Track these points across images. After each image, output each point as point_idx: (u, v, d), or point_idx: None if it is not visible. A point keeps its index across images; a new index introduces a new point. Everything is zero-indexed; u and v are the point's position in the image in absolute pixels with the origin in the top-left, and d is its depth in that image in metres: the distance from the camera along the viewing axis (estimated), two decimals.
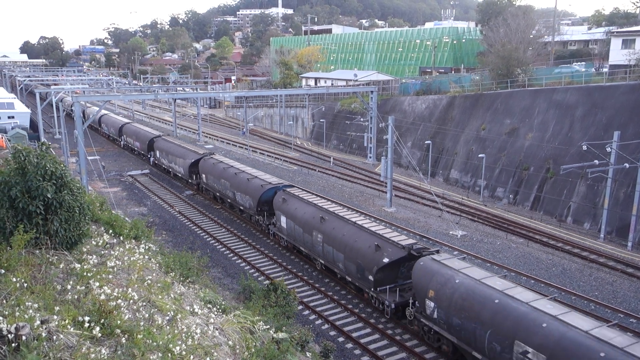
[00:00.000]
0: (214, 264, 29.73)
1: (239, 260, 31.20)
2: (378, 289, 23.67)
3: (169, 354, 8.25)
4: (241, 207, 37.37)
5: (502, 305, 17.71)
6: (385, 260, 23.06)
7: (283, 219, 31.44)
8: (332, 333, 22.91)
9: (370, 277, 23.77)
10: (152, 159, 56.88)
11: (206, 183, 43.19)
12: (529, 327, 16.47)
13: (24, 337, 7.00)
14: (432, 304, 20.49)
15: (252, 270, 29.46)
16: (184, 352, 8.51)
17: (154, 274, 12.92)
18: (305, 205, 30.12)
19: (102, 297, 9.20)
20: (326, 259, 27.65)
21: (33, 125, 68.79)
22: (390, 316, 23.53)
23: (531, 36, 66.72)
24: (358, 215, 28.78)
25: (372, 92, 56.18)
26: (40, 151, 11.10)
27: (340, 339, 22.40)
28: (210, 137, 73.79)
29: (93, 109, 78.49)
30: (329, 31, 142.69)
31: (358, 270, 24.76)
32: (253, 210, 35.30)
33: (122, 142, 67.95)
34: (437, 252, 23.21)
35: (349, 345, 21.93)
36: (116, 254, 12.49)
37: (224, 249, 33.06)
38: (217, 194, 41.44)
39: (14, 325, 7.13)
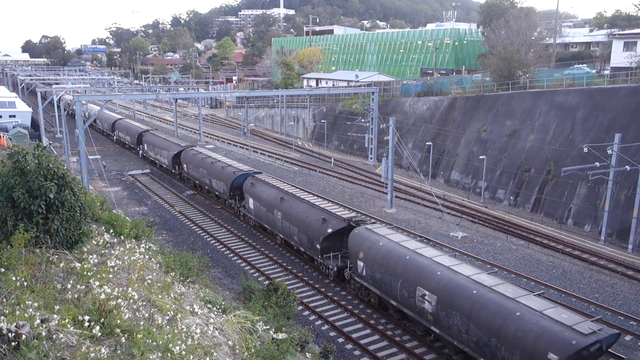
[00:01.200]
0: (214, 264, 29.73)
1: (239, 261, 31.21)
2: (324, 256, 27.53)
3: (169, 354, 8.25)
4: (217, 193, 41.45)
5: (411, 260, 21.86)
6: (329, 230, 26.93)
7: (251, 201, 35.18)
8: (332, 334, 22.90)
9: (318, 246, 27.58)
10: (140, 152, 60.20)
11: (187, 172, 47.15)
12: (427, 276, 20.71)
13: (24, 336, 7.00)
14: (361, 264, 24.44)
15: (253, 271, 29.46)
16: (183, 352, 8.51)
17: (154, 274, 12.93)
18: (269, 188, 33.96)
19: (102, 296, 9.20)
20: (284, 233, 31.53)
21: (34, 124, 68.91)
22: (333, 278, 27.55)
23: (533, 38, 66.78)
24: (311, 195, 33.41)
25: (373, 93, 56.19)
26: (38, 152, 11.10)
27: (340, 340, 22.39)
28: (211, 137, 73.82)
29: (91, 107, 78.82)
30: (331, 32, 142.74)
31: (308, 241, 28.48)
32: (226, 195, 39.08)
33: (114, 137, 71.32)
34: (373, 223, 26.99)
35: (349, 346, 21.92)
36: (116, 253, 12.49)
37: (224, 249, 33.06)
38: (197, 181, 45.52)
39: (14, 324, 7.13)
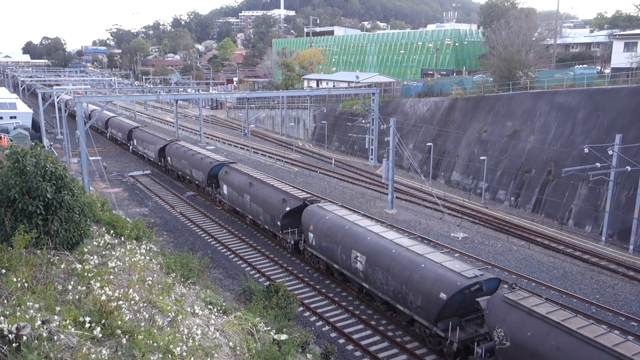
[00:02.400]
0: (214, 265, 29.73)
1: (240, 262, 31.20)
2: (284, 231, 31.73)
3: (170, 355, 8.24)
4: (197, 182, 45.46)
5: (348, 229, 26.04)
6: (287, 208, 31.16)
7: (225, 187, 39.54)
8: (333, 335, 22.88)
9: (278, 223, 31.75)
10: (131, 147, 63.92)
11: (171, 164, 51.23)
12: (360, 241, 24.81)
13: (24, 337, 6.99)
14: (312, 235, 28.56)
15: (253, 272, 29.45)
16: (184, 353, 8.50)
17: (154, 275, 12.92)
18: (240, 175, 38.04)
19: (103, 297, 9.19)
20: (252, 214, 35.73)
21: (35, 125, 68.94)
22: (290, 251, 31.93)
23: (533, 39, 66.74)
24: (275, 180, 37.18)
25: (373, 93, 56.19)
26: (36, 152, 11.09)
27: (341, 341, 22.36)
28: (211, 138, 73.84)
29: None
30: (331, 33, 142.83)
31: (271, 219, 32.72)
32: (204, 183, 43.33)
33: (108, 134, 74.34)
34: (324, 202, 31.95)
35: (350, 347, 21.90)
36: (117, 254, 12.49)
37: (224, 250, 33.06)
38: (179, 172, 49.52)
39: (15, 325, 7.13)
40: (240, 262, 31.24)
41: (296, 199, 31.48)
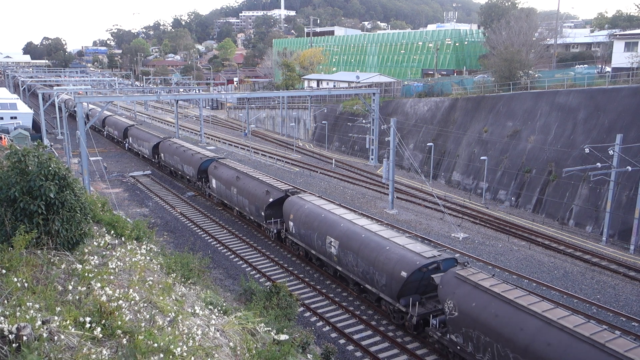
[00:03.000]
0: (215, 266, 29.74)
1: (240, 262, 31.21)
2: (267, 221, 33.92)
3: (170, 355, 8.23)
4: (188, 177, 47.76)
5: (324, 217, 28.37)
6: (271, 199, 33.33)
7: (214, 181, 41.60)
8: (334, 335, 22.88)
9: (262, 213, 33.97)
10: (127, 145, 65.99)
11: (164, 160, 53.32)
12: (334, 227, 27.12)
13: (25, 338, 6.99)
14: (292, 224, 30.86)
15: (254, 272, 29.46)
16: (185, 354, 8.49)
17: (155, 275, 12.92)
18: (228, 169, 40.21)
19: (104, 298, 9.18)
20: (239, 206, 37.97)
21: (36, 125, 69.00)
22: (273, 238, 34.01)
23: (534, 39, 66.71)
24: (259, 173, 39.78)
25: (374, 94, 56.20)
26: (38, 151, 11.07)
27: (342, 341, 22.36)
28: (212, 139, 73.86)
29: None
30: (332, 33, 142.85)
31: (256, 210, 34.98)
32: (195, 178, 45.50)
33: (105, 132, 75.88)
34: (304, 193, 33.89)
35: (350, 348, 21.89)
36: (118, 254, 12.48)
37: (225, 250, 33.07)
38: (172, 168, 51.78)
39: (15, 325, 7.12)
40: (241, 262, 31.24)
41: (279, 190, 33.77)
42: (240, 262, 31.27)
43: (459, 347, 19.18)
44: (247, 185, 36.48)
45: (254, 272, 29.53)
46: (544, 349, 15.57)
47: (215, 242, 34.43)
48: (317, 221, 28.44)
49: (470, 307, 18.48)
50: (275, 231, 33.21)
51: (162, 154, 53.74)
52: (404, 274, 21.72)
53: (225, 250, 33.10)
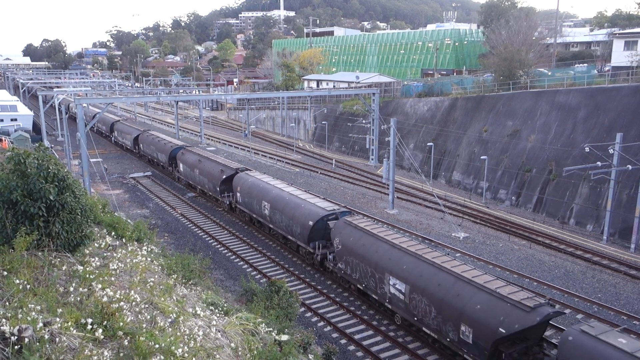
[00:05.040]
0: (216, 266, 29.74)
1: (241, 262, 31.21)
2: (222, 195, 40.32)
3: (172, 356, 8.24)
4: (161, 163, 54.20)
5: (261, 187, 34.93)
6: (224, 176, 39.90)
7: (181, 165, 48.19)
8: (335, 335, 22.88)
9: (218, 188, 40.49)
10: (113, 138, 72.27)
11: (143, 150, 59.95)
12: (267, 194, 33.82)
13: (26, 339, 6.99)
14: (239, 195, 37.37)
15: (254, 273, 29.46)
16: (186, 355, 8.50)
17: (156, 276, 12.93)
18: (193, 155, 46.70)
19: (105, 299, 9.19)
20: (200, 184, 44.54)
21: (36, 127, 68.97)
22: (226, 210, 40.83)
23: (533, 38, 66.72)
24: (217, 157, 46.00)
25: (374, 94, 56.20)
26: (39, 153, 11.07)
27: (343, 341, 22.36)
28: (212, 139, 73.87)
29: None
30: (331, 33, 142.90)
31: (213, 186, 41.48)
32: (167, 163, 51.85)
33: (95, 128, 79.95)
34: (251, 171, 39.88)
35: (351, 348, 21.90)
36: (118, 256, 12.48)
37: (225, 250, 33.08)
38: (149, 156, 58.25)
39: (17, 327, 7.13)
40: (242, 262, 31.25)
41: (230, 169, 40.33)
42: (241, 262, 31.28)
43: (342, 271, 26.41)
44: (206, 166, 43.11)
45: (254, 272, 29.53)
46: (385, 261, 22.98)
47: (215, 243, 34.44)
48: (256, 191, 35.16)
49: (349, 241, 25.58)
50: (227, 202, 40.03)
51: (141, 145, 60.39)
52: (310, 222, 28.63)
53: (225, 251, 33.11)
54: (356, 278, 25.19)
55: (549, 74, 52.12)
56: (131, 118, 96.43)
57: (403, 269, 21.85)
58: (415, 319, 21.30)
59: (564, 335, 16.07)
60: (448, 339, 19.50)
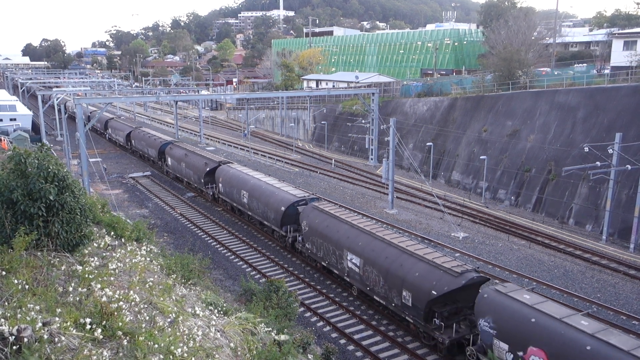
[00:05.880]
0: (215, 266, 29.73)
1: (241, 262, 31.20)
2: (206, 186, 43.00)
3: (171, 356, 8.24)
4: (151, 158, 57.13)
5: (241, 178, 37.80)
6: (208, 169, 42.62)
7: (169, 159, 51.19)
8: (334, 335, 22.88)
9: (202, 180, 43.25)
10: (107, 135, 75.07)
11: (135, 146, 62.99)
12: (246, 183, 36.62)
13: (25, 339, 6.99)
14: (221, 185, 40.19)
15: (254, 272, 29.44)
16: (185, 354, 8.50)
17: (155, 276, 12.92)
18: (180, 149, 49.90)
19: (104, 299, 9.18)
20: (186, 177, 47.25)
21: (35, 127, 68.94)
22: (210, 201, 43.66)
23: (533, 38, 66.72)
24: (202, 150, 49.76)
25: (373, 94, 56.21)
26: (40, 153, 11.06)
27: (342, 341, 22.36)
28: (211, 139, 73.85)
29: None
30: (330, 33, 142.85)
31: (198, 178, 44.22)
32: (156, 158, 55.01)
33: (90, 126, 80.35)
34: (233, 163, 43.14)
35: (351, 348, 21.89)
36: (118, 256, 12.48)
37: (225, 250, 33.06)
38: (140, 152, 61.12)
39: (16, 327, 7.12)
40: (241, 262, 31.25)
41: (214, 162, 43.16)
42: (241, 262, 31.27)
43: (309, 251, 29.10)
44: (192, 160, 46.08)
45: (254, 272, 29.52)
46: (345, 239, 25.73)
47: (215, 243, 34.43)
48: (235, 181, 38.00)
49: (315, 223, 28.37)
50: (211, 193, 42.87)
51: (133, 141, 63.25)
52: (282, 208, 31.57)
53: (225, 250, 33.10)
54: (321, 256, 28.04)
55: (543, 73, 52.04)
56: (130, 118, 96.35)
57: (359, 245, 24.76)
58: (368, 288, 24.24)
59: (481, 293, 18.99)
60: (393, 304, 22.46)
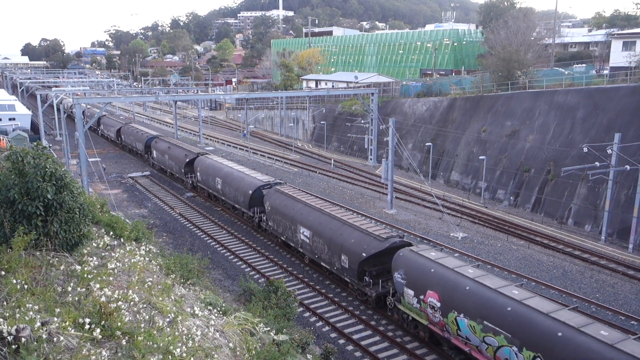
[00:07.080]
0: (214, 266, 29.70)
1: (240, 262, 31.19)
2: (186, 176, 46.65)
3: (170, 356, 8.23)
4: (139, 151, 61.13)
5: (216, 167, 41.64)
6: (187, 159, 46.50)
7: (154, 152, 55.06)
8: (333, 335, 22.87)
9: (182, 170, 47.09)
10: (100, 132, 78.71)
11: (125, 141, 66.97)
12: (219, 172, 40.40)
13: (24, 339, 6.98)
14: (199, 174, 43.86)
15: (253, 272, 29.44)
16: (184, 354, 8.49)
17: (154, 276, 12.92)
18: (163, 142, 53.91)
19: (103, 299, 9.18)
20: (169, 168, 51.27)
21: (34, 127, 68.88)
22: (189, 188, 47.22)
23: (532, 38, 66.75)
24: (184, 143, 53.38)
25: (372, 94, 56.21)
26: (37, 152, 11.05)
27: (341, 341, 22.36)
28: (211, 139, 73.82)
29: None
30: (330, 33, 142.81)
31: (179, 168, 48.11)
32: (143, 151, 59.36)
33: (89, 126, 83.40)
34: (210, 154, 46.84)
35: (350, 348, 21.89)
36: (117, 255, 12.48)
37: (224, 250, 33.05)
38: (129, 146, 65.08)
39: (15, 327, 7.12)
40: (240, 262, 31.23)
41: (193, 153, 46.95)
42: (240, 262, 31.26)
43: (271, 228, 33.09)
44: (174, 152, 49.97)
45: (253, 272, 29.52)
46: (299, 216, 29.56)
47: (214, 243, 34.42)
48: (211, 170, 41.64)
49: (276, 203, 32.16)
50: (191, 182, 46.36)
51: (123, 136, 67.16)
52: (250, 191, 35.33)
53: (224, 250, 33.08)
54: (280, 232, 31.90)
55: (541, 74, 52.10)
56: (130, 118, 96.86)
57: (309, 220, 28.76)
58: (316, 256, 28.17)
59: (397, 252, 22.76)
60: (335, 267, 26.51)
